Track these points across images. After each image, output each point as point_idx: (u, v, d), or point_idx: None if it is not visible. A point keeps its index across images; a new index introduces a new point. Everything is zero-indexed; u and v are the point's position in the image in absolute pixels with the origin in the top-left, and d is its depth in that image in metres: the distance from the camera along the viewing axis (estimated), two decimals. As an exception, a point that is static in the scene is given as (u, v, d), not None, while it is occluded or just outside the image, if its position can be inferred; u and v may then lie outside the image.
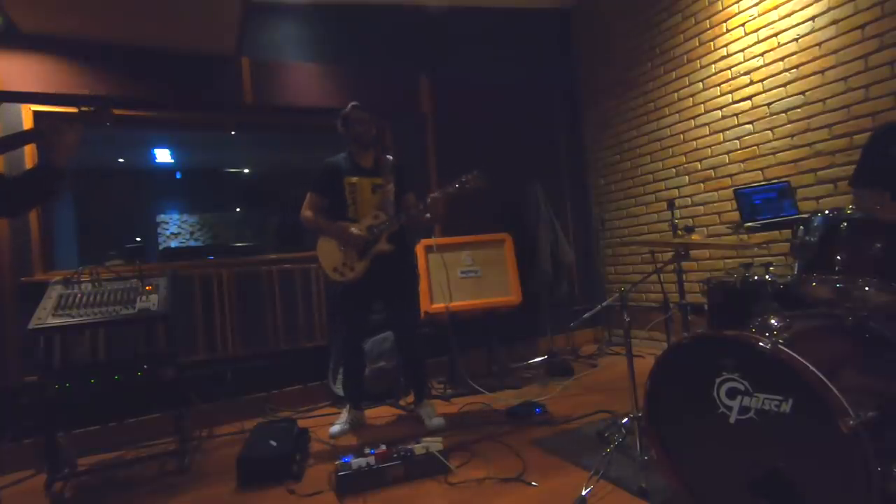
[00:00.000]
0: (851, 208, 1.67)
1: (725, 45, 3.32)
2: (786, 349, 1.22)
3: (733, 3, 3.25)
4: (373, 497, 1.88)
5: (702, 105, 3.51)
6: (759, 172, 3.15)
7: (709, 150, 3.48)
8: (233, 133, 5.11)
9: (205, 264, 3.35)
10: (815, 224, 1.58)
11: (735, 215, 2.96)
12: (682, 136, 3.67)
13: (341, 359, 3.06)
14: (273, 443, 2.21)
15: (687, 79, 3.60)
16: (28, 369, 2.50)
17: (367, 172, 2.66)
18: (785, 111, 3.00)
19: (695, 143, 3.58)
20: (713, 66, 3.41)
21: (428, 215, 2.56)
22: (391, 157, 2.75)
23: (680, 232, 2.22)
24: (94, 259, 2.79)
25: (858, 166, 2.15)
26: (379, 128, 2.71)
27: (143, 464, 2.43)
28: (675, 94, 3.69)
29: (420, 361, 2.78)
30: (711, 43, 3.41)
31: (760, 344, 1.26)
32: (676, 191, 3.72)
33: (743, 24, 3.20)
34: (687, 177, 3.66)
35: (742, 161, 3.26)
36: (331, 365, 3.25)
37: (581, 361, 3.76)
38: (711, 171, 3.47)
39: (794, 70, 2.94)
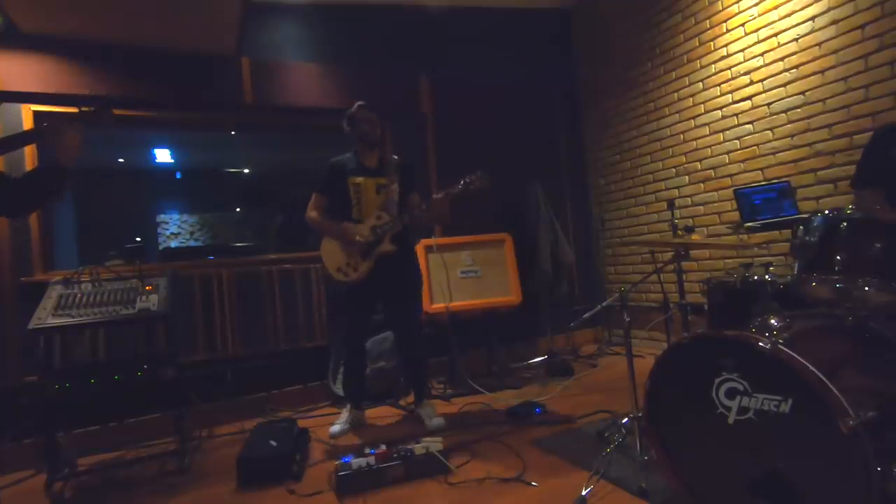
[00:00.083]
0: (851, 208, 1.68)
1: (725, 45, 3.32)
2: (785, 349, 1.22)
3: (733, 3, 3.25)
4: (373, 497, 1.88)
5: (702, 105, 3.51)
6: (759, 172, 3.15)
7: (709, 150, 3.48)
8: (233, 133, 5.13)
9: (205, 264, 3.35)
10: (815, 224, 1.58)
11: (735, 215, 2.96)
12: (682, 136, 3.67)
13: (341, 359, 3.06)
14: (273, 443, 2.21)
15: (687, 79, 3.60)
16: (28, 369, 2.50)
17: (371, 173, 2.65)
18: (785, 111, 3.00)
19: (695, 143, 3.58)
20: (713, 66, 3.41)
21: (431, 216, 2.56)
22: (397, 157, 2.75)
23: (680, 232, 2.21)
24: (94, 259, 2.79)
25: (859, 167, 2.15)
26: (384, 128, 2.71)
27: (143, 464, 2.43)
28: (675, 94, 3.69)
29: (420, 361, 2.78)
30: (711, 43, 3.41)
31: (760, 344, 1.26)
32: (676, 191, 3.72)
33: (743, 24, 3.20)
34: (687, 177, 3.66)
35: (742, 161, 3.26)
36: (331, 365, 3.25)
37: (581, 361, 3.75)
38: (711, 171, 3.47)
39: (794, 70, 2.94)
